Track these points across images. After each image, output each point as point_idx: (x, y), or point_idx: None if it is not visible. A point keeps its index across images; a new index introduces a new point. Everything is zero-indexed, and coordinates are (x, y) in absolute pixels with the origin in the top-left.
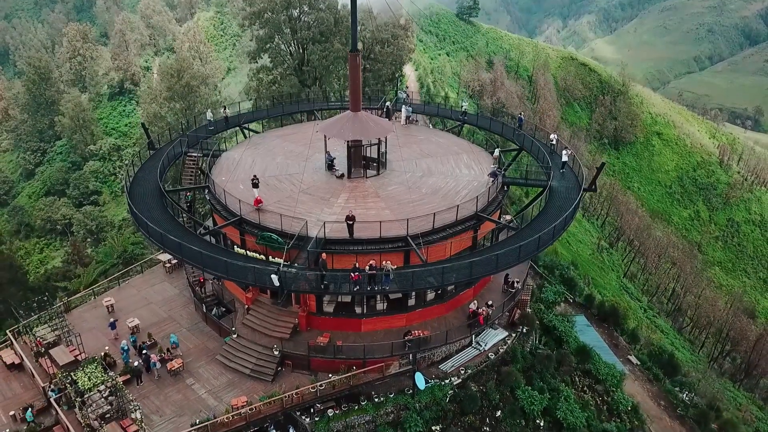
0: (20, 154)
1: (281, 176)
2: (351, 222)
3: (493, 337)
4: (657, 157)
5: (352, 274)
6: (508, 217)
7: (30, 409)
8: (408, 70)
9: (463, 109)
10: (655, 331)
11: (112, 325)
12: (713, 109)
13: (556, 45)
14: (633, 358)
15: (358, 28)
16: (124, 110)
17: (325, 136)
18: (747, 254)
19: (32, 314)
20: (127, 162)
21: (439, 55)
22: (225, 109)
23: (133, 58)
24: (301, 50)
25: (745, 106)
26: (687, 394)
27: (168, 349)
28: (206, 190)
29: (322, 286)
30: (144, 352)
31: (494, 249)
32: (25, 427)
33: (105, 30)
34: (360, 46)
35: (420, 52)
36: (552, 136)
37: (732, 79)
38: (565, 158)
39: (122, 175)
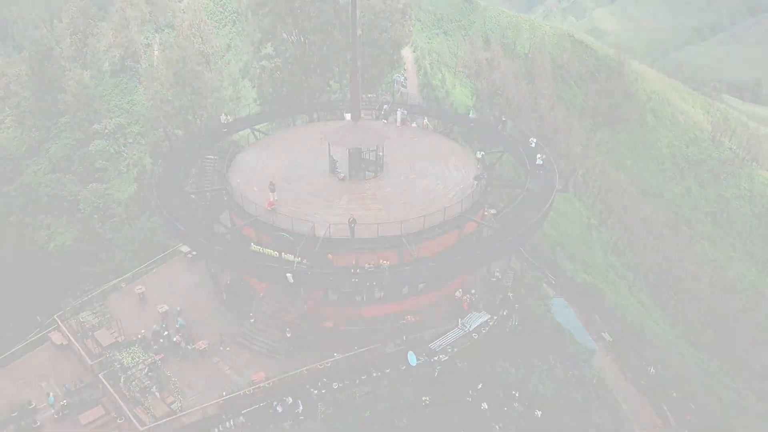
0: (24, 131)
1: (290, 178)
2: (353, 224)
3: (477, 319)
4: (651, 134)
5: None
6: (493, 211)
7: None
8: (406, 52)
9: (470, 116)
10: (636, 307)
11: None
12: (712, 81)
13: (556, 15)
14: (606, 336)
15: (357, 14)
16: (126, 87)
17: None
18: (735, 230)
19: (72, 301)
20: (130, 141)
21: (437, 35)
22: (226, 116)
23: (134, 35)
24: (303, 40)
25: (745, 77)
26: (653, 367)
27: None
28: (224, 192)
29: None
30: (165, 333)
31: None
32: (65, 402)
33: (103, 3)
34: (359, 32)
35: (417, 32)
36: (531, 140)
37: (732, 50)
38: (539, 162)
39: (127, 154)
